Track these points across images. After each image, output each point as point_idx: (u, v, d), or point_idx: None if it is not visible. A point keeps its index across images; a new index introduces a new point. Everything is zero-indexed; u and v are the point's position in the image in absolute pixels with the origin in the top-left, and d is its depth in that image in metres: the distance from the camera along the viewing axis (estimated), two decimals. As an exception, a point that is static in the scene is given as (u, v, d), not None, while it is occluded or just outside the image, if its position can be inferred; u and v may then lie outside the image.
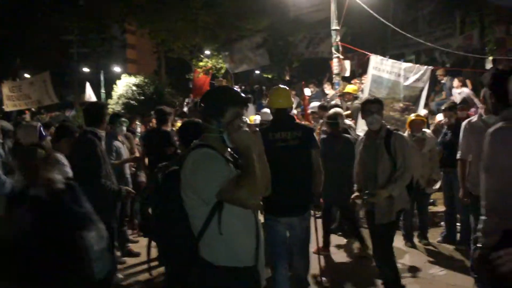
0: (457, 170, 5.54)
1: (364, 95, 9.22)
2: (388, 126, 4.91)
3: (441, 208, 7.93)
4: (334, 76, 10.83)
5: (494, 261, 2.35)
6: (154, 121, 10.26)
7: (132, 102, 17.43)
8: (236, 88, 12.38)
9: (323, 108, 9.22)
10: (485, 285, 4.70)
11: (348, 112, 9.53)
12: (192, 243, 2.64)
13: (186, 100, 19.51)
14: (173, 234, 2.71)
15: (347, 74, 11.25)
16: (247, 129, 2.61)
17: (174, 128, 8.38)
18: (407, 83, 8.74)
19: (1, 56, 24.90)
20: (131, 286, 5.96)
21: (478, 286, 5.07)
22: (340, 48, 10.52)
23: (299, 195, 4.66)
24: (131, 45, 30.44)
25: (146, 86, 18.04)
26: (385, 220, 4.66)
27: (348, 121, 8.10)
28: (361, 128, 8.66)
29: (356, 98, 10.89)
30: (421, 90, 8.73)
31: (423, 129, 7.04)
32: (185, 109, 17.18)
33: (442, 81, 13.00)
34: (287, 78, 21.45)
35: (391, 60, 9.32)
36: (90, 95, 16.78)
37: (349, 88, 11.12)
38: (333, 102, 10.32)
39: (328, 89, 12.91)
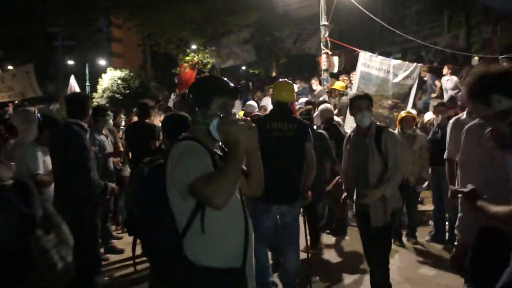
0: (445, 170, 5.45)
1: (353, 92, 9.14)
2: (378, 123, 4.74)
3: (429, 206, 7.88)
4: (322, 72, 10.74)
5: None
6: (135, 117, 10.12)
7: (117, 96, 17.21)
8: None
9: (310, 104, 9.14)
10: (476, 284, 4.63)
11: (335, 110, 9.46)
12: (177, 241, 2.50)
13: (172, 95, 19.31)
14: (158, 231, 2.57)
15: (335, 70, 11.18)
16: (242, 122, 2.42)
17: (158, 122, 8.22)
18: (396, 80, 8.68)
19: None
20: (114, 284, 5.82)
21: (468, 286, 5.00)
22: (329, 44, 10.43)
23: (290, 183, 4.82)
24: (117, 38, 29.94)
25: (132, 80, 17.82)
26: (380, 223, 4.45)
27: (336, 118, 8.01)
28: (349, 124, 8.60)
29: (343, 94, 10.83)
30: (410, 87, 8.68)
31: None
32: (171, 103, 17.00)
33: (425, 78, 13.12)
34: (274, 74, 21.33)
35: (380, 57, 9.26)
36: (74, 87, 16.51)
37: (337, 85, 11.06)
38: (320, 99, 10.25)
39: (315, 85, 12.84)
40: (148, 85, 18.49)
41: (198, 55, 21.04)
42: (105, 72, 18.95)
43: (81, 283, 3.56)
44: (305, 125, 5.03)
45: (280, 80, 5.30)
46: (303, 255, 5.34)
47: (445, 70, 12.10)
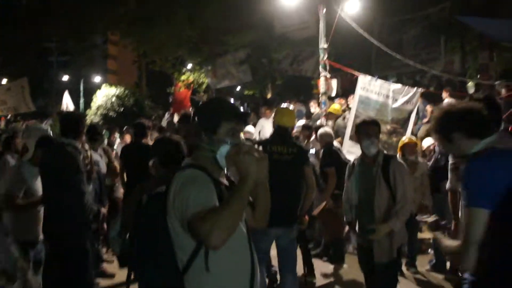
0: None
1: (351, 116, 9.04)
2: (385, 152, 4.56)
3: (428, 234, 7.69)
4: (320, 95, 10.65)
5: None
6: (127, 136, 9.98)
7: (111, 113, 17.07)
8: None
9: (307, 128, 9.03)
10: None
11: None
12: (178, 278, 2.28)
13: (166, 114, 19.20)
14: (157, 266, 2.35)
15: (334, 94, 11.13)
16: (256, 154, 2.25)
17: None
18: (396, 105, 8.55)
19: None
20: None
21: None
22: (328, 67, 10.37)
23: (289, 206, 4.83)
24: (113, 55, 30.00)
25: (126, 98, 17.72)
26: (385, 259, 4.20)
27: (336, 143, 7.87)
28: (346, 149, 8.47)
29: (338, 117, 10.74)
30: (410, 112, 8.54)
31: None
32: (164, 123, 16.87)
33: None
34: (269, 95, 21.27)
35: (380, 81, 9.14)
36: (67, 104, 16.37)
37: (332, 108, 10.97)
38: (318, 122, 10.15)
39: (314, 108, 12.79)
40: (142, 103, 18.41)
41: (193, 75, 20.98)
42: (99, 88, 18.84)
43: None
44: (305, 150, 5.23)
45: (281, 106, 5.39)
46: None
47: (444, 94, 12.06)
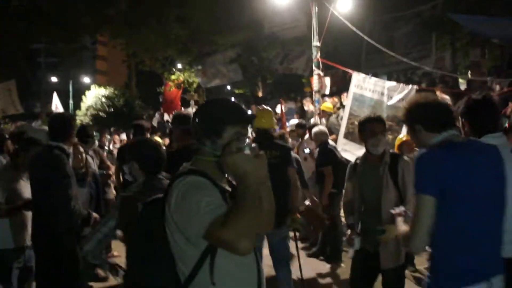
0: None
1: (345, 114, 8.94)
2: (392, 150, 4.32)
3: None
4: (314, 93, 10.56)
5: None
6: (115, 137, 9.84)
7: (101, 114, 16.92)
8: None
9: (301, 126, 8.95)
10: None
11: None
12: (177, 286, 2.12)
13: (156, 114, 19.09)
14: (155, 280, 2.19)
15: (327, 91, 11.05)
16: (248, 151, 2.03)
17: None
18: (391, 102, 8.45)
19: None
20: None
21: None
22: (321, 65, 10.27)
23: (277, 208, 4.62)
24: (102, 56, 29.78)
25: (116, 98, 17.59)
26: (392, 264, 3.92)
27: (331, 142, 7.78)
28: (341, 147, 8.36)
29: (330, 115, 10.68)
30: (405, 110, 8.47)
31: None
32: (155, 123, 16.77)
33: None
34: (260, 94, 21.19)
35: (374, 78, 9.04)
36: (56, 105, 16.19)
37: (324, 105, 10.89)
38: (312, 120, 10.07)
39: (307, 106, 12.73)
40: (132, 103, 18.28)
41: (183, 74, 20.84)
42: (89, 89, 18.67)
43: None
44: (287, 149, 5.32)
45: (258, 108, 5.51)
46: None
47: (438, 92, 12.03)
